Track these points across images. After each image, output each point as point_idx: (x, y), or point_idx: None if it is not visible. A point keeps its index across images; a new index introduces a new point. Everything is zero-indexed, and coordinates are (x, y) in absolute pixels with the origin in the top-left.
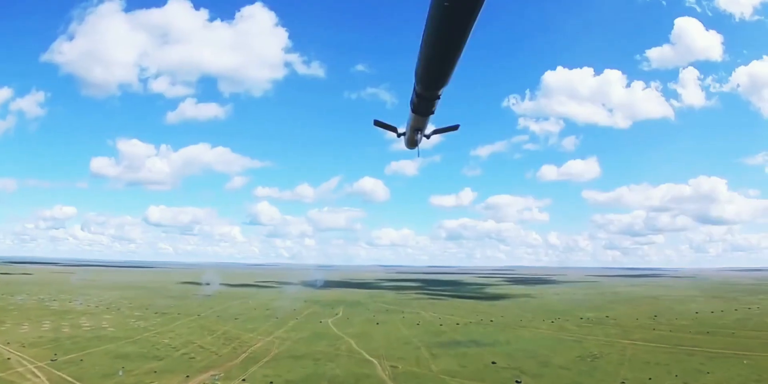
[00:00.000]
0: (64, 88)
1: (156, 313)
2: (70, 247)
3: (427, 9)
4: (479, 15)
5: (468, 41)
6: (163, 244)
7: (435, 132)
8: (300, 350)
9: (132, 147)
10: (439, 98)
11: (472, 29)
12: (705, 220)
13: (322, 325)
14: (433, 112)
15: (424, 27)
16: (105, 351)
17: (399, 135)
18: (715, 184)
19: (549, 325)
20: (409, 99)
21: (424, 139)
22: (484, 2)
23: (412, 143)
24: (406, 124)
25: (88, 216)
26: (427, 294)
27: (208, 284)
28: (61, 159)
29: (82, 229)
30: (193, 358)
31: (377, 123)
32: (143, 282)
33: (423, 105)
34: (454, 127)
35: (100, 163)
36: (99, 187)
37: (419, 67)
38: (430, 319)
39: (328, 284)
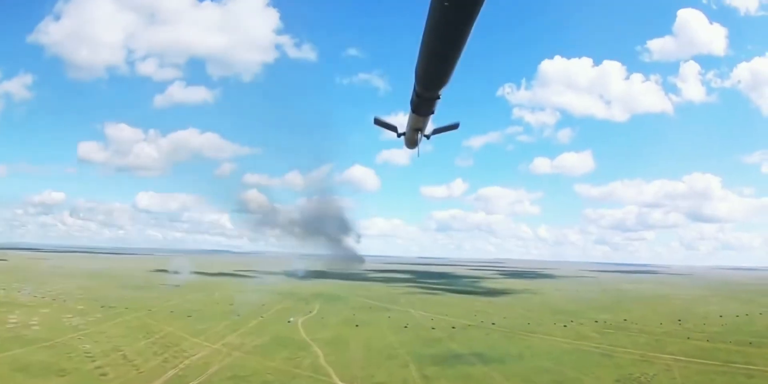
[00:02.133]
0: (51, 70)
1: (102, 306)
2: (60, 233)
3: (426, 8)
4: (479, 15)
5: (468, 41)
6: (152, 230)
7: (435, 132)
8: (248, 366)
9: (120, 132)
10: (439, 98)
11: (472, 29)
12: (697, 217)
13: (288, 326)
14: (433, 112)
15: (423, 27)
16: (8, 359)
17: (399, 135)
18: (709, 182)
19: (563, 330)
20: (410, 98)
21: (423, 138)
22: (484, 2)
23: (412, 143)
24: (406, 124)
25: (77, 202)
26: (418, 287)
27: (177, 272)
28: (49, 143)
29: (71, 215)
30: (105, 374)
31: (377, 122)
32: (115, 269)
33: (423, 105)
34: (455, 126)
35: (87, 148)
36: (87, 172)
37: (419, 67)
38: (421, 320)
39: (311, 274)
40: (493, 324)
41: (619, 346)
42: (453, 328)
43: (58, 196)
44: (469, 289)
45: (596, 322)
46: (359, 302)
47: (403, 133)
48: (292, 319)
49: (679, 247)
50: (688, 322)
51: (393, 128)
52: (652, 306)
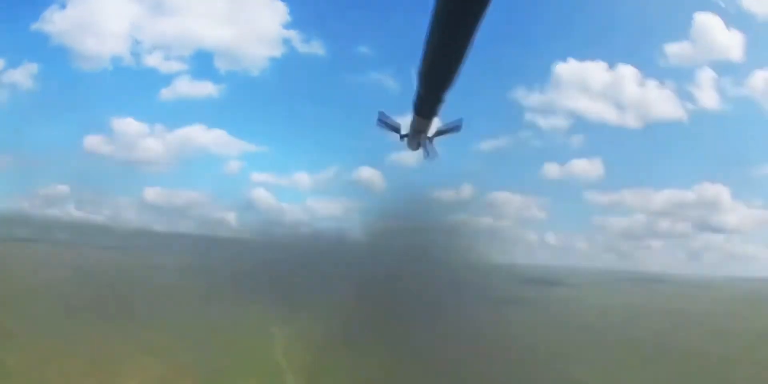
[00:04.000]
0: (55, 60)
1: None
2: (66, 226)
3: (432, 8)
4: (485, 15)
5: (474, 42)
6: (158, 226)
7: (437, 133)
8: None
9: (126, 126)
10: (443, 100)
11: (478, 30)
12: (705, 227)
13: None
14: (436, 114)
15: (428, 27)
16: None
17: (402, 136)
18: (719, 192)
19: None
20: (412, 101)
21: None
22: (490, 3)
23: (414, 146)
24: (409, 126)
25: (83, 195)
26: None
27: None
28: (54, 135)
29: (76, 208)
30: None
31: (381, 121)
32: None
33: (426, 107)
34: (457, 128)
35: (93, 141)
36: (93, 165)
37: (423, 68)
38: None
39: None
40: None
41: None
42: None
43: (63, 188)
44: None
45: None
46: None
47: (406, 135)
48: (275, 330)
49: (685, 257)
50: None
51: (396, 130)
52: (665, 315)
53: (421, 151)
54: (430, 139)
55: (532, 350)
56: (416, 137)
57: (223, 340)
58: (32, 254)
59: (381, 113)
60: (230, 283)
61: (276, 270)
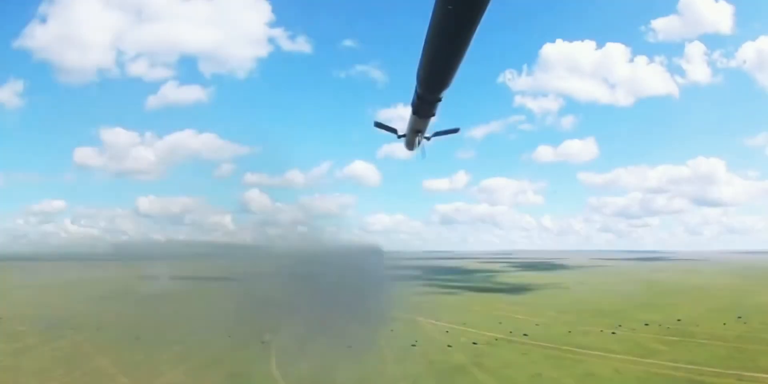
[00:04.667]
0: (40, 75)
1: (46, 327)
2: (62, 241)
3: (431, 9)
4: (482, 18)
5: (471, 44)
6: (156, 235)
7: (436, 134)
8: None
9: (115, 136)
10: (440, 101)
11: (476, 32)
12: (702, 202)
13: (258, 352)
14: (434, 114)
15: (427, 29)
16: None
17: (399, 136)
18: (713, 165)
19: (616, 340)
20: (411, 100)
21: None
22: (488, 6)
23: (411, 145)
24: (406, 126)
25: (77, 209)
26: (428, 285)
27: (166, 279)
28: (45, 151)
29: (72, 222)
30: None
31: (377, 125)
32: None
33: (424, 107)
34: (455, 130)
35: (83, 154)
36: (85, 178)
37: (421, 68)
38: (433, 334)
39: None
40: (525, 335)
41: (699, 363)
42: (475, 344)
43: (58, 204)
44: (485, 285)
45: (647, 325)
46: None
47: (404, 135)
48: (266, 338)
49: (683, 233)
50: (752, 319)
51: (393, 130)
52: (696, 300)
53: (418, 151)
54: (428, 138)
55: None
56: (414, 137)
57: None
58: None
59: (376, 122)
60: None
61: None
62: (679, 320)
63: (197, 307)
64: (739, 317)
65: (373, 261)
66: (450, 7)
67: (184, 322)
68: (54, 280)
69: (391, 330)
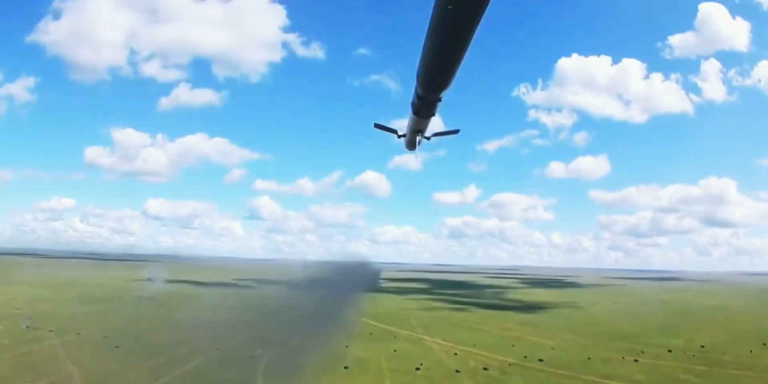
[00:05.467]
0: (52, 71)
1: (28, 327)
2: (71, 239)
3: (431, 9)
4: (482, 18)
5: (471, 44)
6: (164, 237)
7: (436, 135)
8: None
9: (126, 136)
10: (440, 101)
11: (475, 32)
12: (712, 222)
13: (239, 372)
14: (434, 114)
15: (426, 29)
16: None
17: (399, 136)
18: (725, 186)
19: (640, 368)
20: (411, 100)
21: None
22: (488, 6)
23: (411, 145)
24: (406, 126)
25: (86, 208)
26: (435, 300)
27: (161, 281)
28: (56, 148)
29: (81, 221)
30: None
31: (377, 126)
32: (96, 277)
33: (424, 107)
34: (455, 131)
35: (94, 153)
36: (95, 177)
37: (421, 68)
38: (440, 355)
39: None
40: (541, 360)
41: None
42: (486, 370)
43: (67, 202)
44: (495, 302)
45: (670, 351)
46: (359, 324)
47: (404, 135)
48: (257, 352)
49: (692, 253)
50: None
51: (393, 131)
52: (716, 324)
53: (417, 151)
54: (428, 138)
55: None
56: (414, 137)
57: None
58: None
59: (376, 123)
60: None
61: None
62: (703, 347)
63: (191, 313)
64: (765, 344)
65: (371, 276)
66: (450, 7)
67: (173, 330)
68: (53, 278)
69: (395, 350)
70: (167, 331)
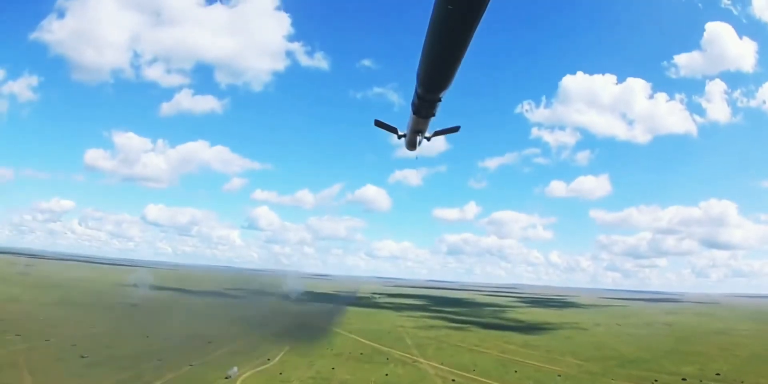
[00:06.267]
0: (55, 71)
1: None
2: (70, 241)
3: (431, 10)
4: (482, 19)
5: (470, 45)
6: (161, 244)
7: (436, 134)
8: None
9: (127, 140)
10: (440, 101)
11: (475, 33)
12: (711, 244)
13: None
14: (434, 115)
15: (426, 29)
16: None
17: (399, 136)
18: (725, 208)
19: None
20: (411, 101)
21: (426, 143)
22: (487, 6)
23: (412, 145)
24: (406, 126)
25: (85, 211)
26: (433, 318)
27: (151, 288)
28: (56, 149)
29: (79, 223)
30: None
31: (378, 123)
32: (86, 280)
33: (424, 107)
34: (455, 129)
35: (94, 155)
36: (95, 180)
37: (421, 69)
38: (435, 383)
39: (310, 297)
40: None
41: None
42: None
43: (66, 203)
44: (494, 321)
45: (685, 379)
46: (350, 343)
47: (404, 135)
48: (233, 371)
49: (689, 274)
50: None
51: (393, 130)
52: (724, 348)
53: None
54: (428, 138)
55: None
56: (414, 137)
57: None
58: None
59: (376, 120)
60: None
61: None
62: (718, 375)
63: (171, 322)
64: None
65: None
66: (450, 7)
67: (148, 341)
68: (39, 279)
69: (386, 374)
70: (141, 342)
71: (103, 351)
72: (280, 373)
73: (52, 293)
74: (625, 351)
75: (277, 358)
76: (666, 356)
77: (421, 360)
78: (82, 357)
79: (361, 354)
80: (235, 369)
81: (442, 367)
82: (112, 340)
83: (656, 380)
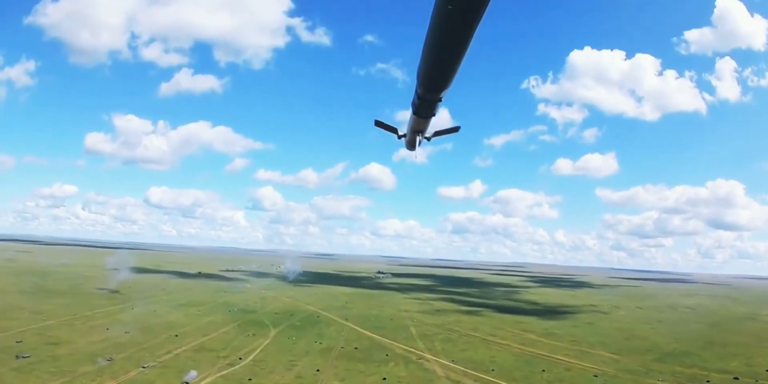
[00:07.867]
0: (52, 54)
1: None
2: (73, 226)
3: (431, 10)
4: (482, 19)
5: (471, 45)
6: (166, 226)
7: (436, 134)
8: None
9: (127, 123)
10: (441, 101)
11: (475, 33)
12: (717, 225)
13: None
14: (434, 114)
15: (427, 29)
16: None
17: (399, 136)
18: (732, 188)
19: None
20: (411, 100)
21: (430, 129)
22: (487, 7)
23: (412, 145)
24: (406, 126)
25: (88, 195)
26: (442, 300)
27: (116, 269)
28: (56, 134)
29: (83, 208)
30: None
31: (377, 123)
32: (73, 265)
33: (424, 107)
34: (455, 129)
35: (95, 139)
36: (96, 165)
37: (421, 69)
38: None
39: (311, 277)
40: None
41: None
42: None
43: (69, 189)
44: (508, 304)
45: (737, 378)
46: (344, 334)
47: (404, 135)
48: (190, 376)
49: (695, 255)
50: None
51: (393, 130)
52: (763, 338)
53: (417, 151)
54: (429, 138)
55: None
56: (414, 137)
57: None
58: None
59: (376, 120)
60: None
61: None
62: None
63: (144, 311)
64: None
65: None
66: (450, 7)
67: (107, 334)
68: (21, 266)
69: (384, 378)
70: (99, 336)
71: (49, 350)
72: (249, 380)
73: (27, 280)
74: (659, 341)
75: (250, 357)
76: (706, 348)
77: (428, 356)
78: (19, 357)
79: (356, 348)
80: (194, 373)
81: (453, 365)
82: (66, 336)
83: (708, 381)
